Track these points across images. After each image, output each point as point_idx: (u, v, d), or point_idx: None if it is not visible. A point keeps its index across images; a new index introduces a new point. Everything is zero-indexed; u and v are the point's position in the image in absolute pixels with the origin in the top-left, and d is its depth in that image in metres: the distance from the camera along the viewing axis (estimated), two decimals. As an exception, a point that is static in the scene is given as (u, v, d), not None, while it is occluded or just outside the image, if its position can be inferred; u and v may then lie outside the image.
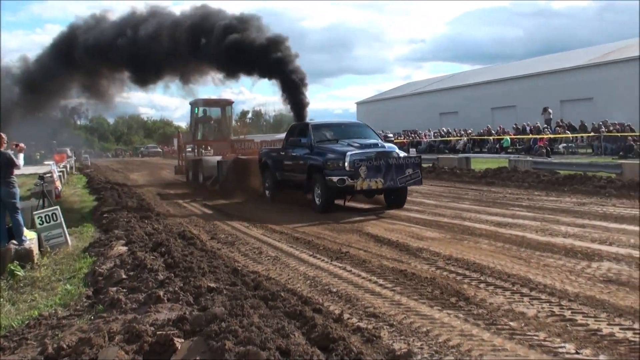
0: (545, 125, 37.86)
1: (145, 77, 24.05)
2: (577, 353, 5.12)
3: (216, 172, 22.08)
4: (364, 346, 5.22)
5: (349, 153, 14.51)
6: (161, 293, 6.86)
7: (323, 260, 9.37)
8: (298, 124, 18.29)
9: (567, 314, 6.15)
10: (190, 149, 29.89)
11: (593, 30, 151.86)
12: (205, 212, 16.78)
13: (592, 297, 6.64)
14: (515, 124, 41.13)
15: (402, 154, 15.57)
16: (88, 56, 22.83)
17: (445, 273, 8.10)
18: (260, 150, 20.31)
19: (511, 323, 5.95)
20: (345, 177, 14.26)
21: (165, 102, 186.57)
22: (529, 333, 5.65)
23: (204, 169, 23.84)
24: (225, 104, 29.40)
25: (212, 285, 7.24)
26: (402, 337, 5.66)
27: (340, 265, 8.94)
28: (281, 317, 5.98)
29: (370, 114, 69.84)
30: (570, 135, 35.33)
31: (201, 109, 28.96)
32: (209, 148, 28.19)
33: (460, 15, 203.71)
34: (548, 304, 6.49)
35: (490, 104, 53.52)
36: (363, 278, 8.06)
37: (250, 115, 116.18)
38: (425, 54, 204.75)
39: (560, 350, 5.21)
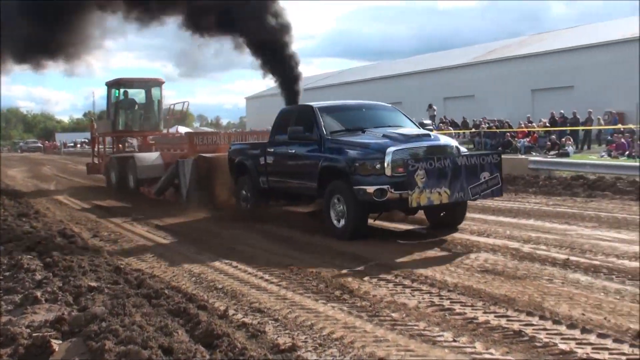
0: (430, 122, 39.01)
1: None
2: (454, 341, 5.30)
3: (158, 175, 17.13)
4: (248, 341, 5.22)
5: (391, 149, 9.68)
6: (39, 294, 6.61)
7: (209, 256, 9.28)
8: (295, 108, 13.06)
9: (446, 303, 6.37)
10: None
11: (476, 30, 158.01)
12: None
13: (470, 287, 6.91)
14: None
15: (463, 149, 11.09)
16: None
17: (330, 267, 8.21)
18: (230, 147, 14.63)
19: (393, 314, 6.09)
20: (386, 187, 9.49)
21: (46, 95, 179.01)
22: (409, 323, 5.80)
23: (138, 169, 18.15)
24: (153, 85, 23.53)
25: (93, 284, 7.04)
26: (286, 332, 5.69)
27: (227, 261, 8.88)
28: (164, 315, 5.91)
29: (261, 109, 69.65)
30: (452, 131, 36.52)
31: (122, 90, 22.98)
32: (136, 142, 23.38)
33: (350, 12, 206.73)
34: (428, 295, 6.71)
35: (377, 100, 53.91)
36: (249, 274, 8.05)
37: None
38: (314, 50, 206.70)
39: (438, 338, 5.37)
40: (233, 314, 6.18)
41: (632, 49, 36.38)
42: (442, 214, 10.76)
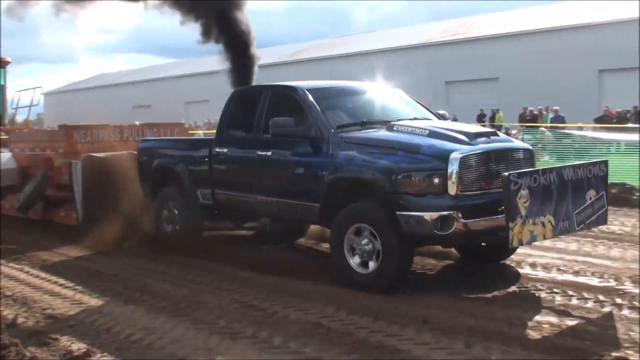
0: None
1: None
2: (253, 337, 5.35)
3: (10, 182, 11.98)
4: (39, 350, 5.01)
5: (456, 154, 6.28)
6: None
7: (-2, 261, 8.66)
8: (264, 91, 8.49)
9: (247, 299, 6.43)
10: None
11: (283, 30, 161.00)
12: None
13: (272, 282, 7.00)
14: (208, 119, 42.00)
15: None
16: None
17: (130, 268, 8.01)
18: (141, 144, 10.37)
19: (194, 313, 6.05)
20: (452, 213, 6.17)
21: None
22: (211, 321, 5.79)
23: None
24: None
25: None
26: (81, 337, 5.44)
27: (18, 266, 8.36)
28: (-58, 327, 5.47)
29: (61, 106, 66.49)
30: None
31: None
32: None
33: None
34: (229, 292, 6.73)
35: (184, 98, 53.97)
36: (42, 279, 7.63)
37: None
38: (118, 45, 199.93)
39: (239, 334, 5.41)
40: (23, 322, 5.85)
41: (424, 53, 38.99)
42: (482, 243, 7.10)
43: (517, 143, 7.33)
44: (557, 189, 6.23)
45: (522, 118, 27.18)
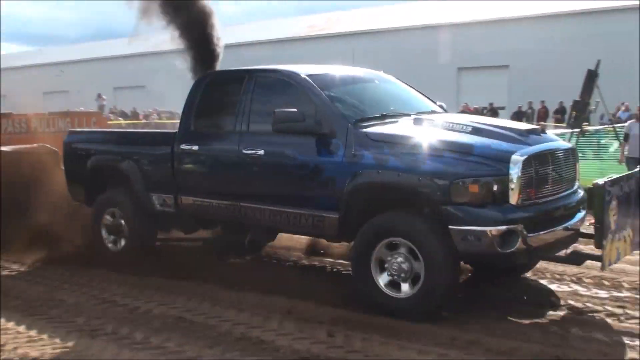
0: (99, 111, 38.23)
1: None
2: (114, 333, 5.25)
3: None
4: None
5: (518, 156, 5.19)
6: None
7: None
8: (245, 76, 6.77)
9: (107, 296, 6.28)
10: None
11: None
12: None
13: (134, 279, 6.79)
14: (68, 108, 40.49)
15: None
16: None
17: (-20, 266, 7.61)
18: (70, 137, 8.44)
19: (51, 311, 5.86)
20: (516, 227, 5.06)
21: None
22: (68, 319, 5.62)
23: None
24: None
25: None
26: None
27: None
28: None
29: None
30: (122, 121, 36.06)
31: None
32: None
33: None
34: (89, 289, 6.55)
35: (41, 88, 51.60)
36: None
37: None
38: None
39: (99, 331, 5.29)
40: None
41: (291, 47, 39.37)
42: None
43: (562, 142, 6.23)
44: (634, 198, 5.53)
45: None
